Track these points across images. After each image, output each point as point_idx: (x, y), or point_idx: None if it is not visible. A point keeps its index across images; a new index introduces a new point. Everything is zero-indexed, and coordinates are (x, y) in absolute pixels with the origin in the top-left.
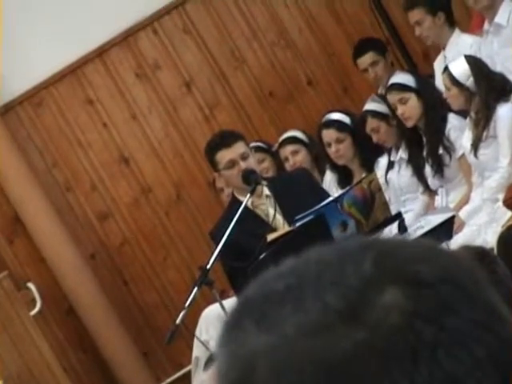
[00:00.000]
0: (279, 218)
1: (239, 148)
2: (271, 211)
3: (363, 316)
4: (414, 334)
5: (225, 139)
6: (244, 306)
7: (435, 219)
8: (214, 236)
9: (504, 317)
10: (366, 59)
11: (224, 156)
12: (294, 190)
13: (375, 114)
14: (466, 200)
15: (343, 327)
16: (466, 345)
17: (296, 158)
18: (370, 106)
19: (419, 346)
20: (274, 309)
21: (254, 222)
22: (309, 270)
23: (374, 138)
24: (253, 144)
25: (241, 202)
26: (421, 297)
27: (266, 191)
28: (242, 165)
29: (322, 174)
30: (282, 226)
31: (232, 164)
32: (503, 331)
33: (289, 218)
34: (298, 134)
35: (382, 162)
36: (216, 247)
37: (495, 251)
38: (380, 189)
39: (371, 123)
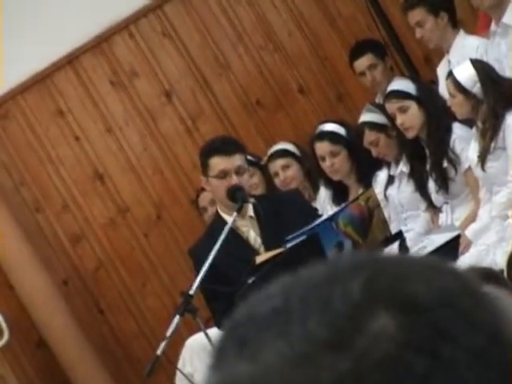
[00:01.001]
0: (259, 241)
1: (237, 160)
2: (252, 234)
3: (349, 345)
4: (404, 365)
5: (225, 146)
6: (230, 329)
7: (439, 239)
8: (194, 255)
9: (508, 341)
10: (364, 61)
11: (218, 163)
12: (281, 215)
13: (372, 125)
14: (472, 217)
15: (327, 357)
16: (462, 377)
17: (287, 173)
18: (366, 117)
19: (409, 379)
20: (257, 334)
21: (236, 244)
22: (296, 292)
23: (374, 152)
24: None
25: (224, 221)
26: (414, 323)
27: (251, 212)
28: (234, 179)
29: (316, 190)
30: (263, 251)
31: (224, 175)
32: (505, 357)
33: (268, 244)
34: (289, 146)
35: (381, 176)
36: (197, 269)
37: (505, 273)
38: (379, 206)
39: (369, 136)
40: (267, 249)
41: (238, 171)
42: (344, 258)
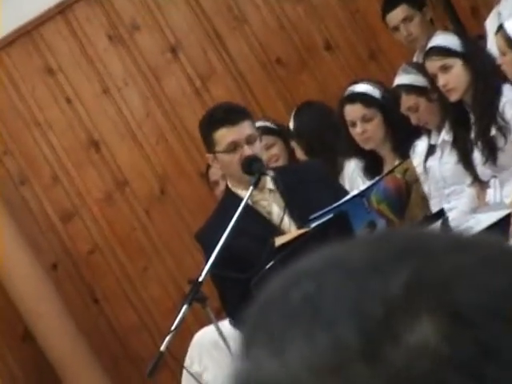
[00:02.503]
0: (286, 218)
1: (245, 128)
2: (275, 209)
3: (383, 356)
4: None
5: (230, 114)
6: (260, 312)
7: (487, 218)
8: (203, 239)
9: None
10: (398, 14)
11: (225, 136)
12: (306, 186)
13: (411, 88)
14: None
15: (356, 369)
16: None
17: (271, 152)
18: (403, 79)
19: None
20: (284, 327)
21: (255, 221)
22: (331, 278)
23: (413, 119)
24: (257, 124)
25: (237, 197)
26: (462, 336)
27: (270, 184)
28: (247, 150)
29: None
30: (289, 229)
31: (234, 147)
32: None
33: (297, 219)
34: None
35: (421, 145)
36: (207, 256)
37: None
38: (417, 180)
39: (407, 101)
40: (298, 225)
41: (249, 140)
42: (392, 238)
